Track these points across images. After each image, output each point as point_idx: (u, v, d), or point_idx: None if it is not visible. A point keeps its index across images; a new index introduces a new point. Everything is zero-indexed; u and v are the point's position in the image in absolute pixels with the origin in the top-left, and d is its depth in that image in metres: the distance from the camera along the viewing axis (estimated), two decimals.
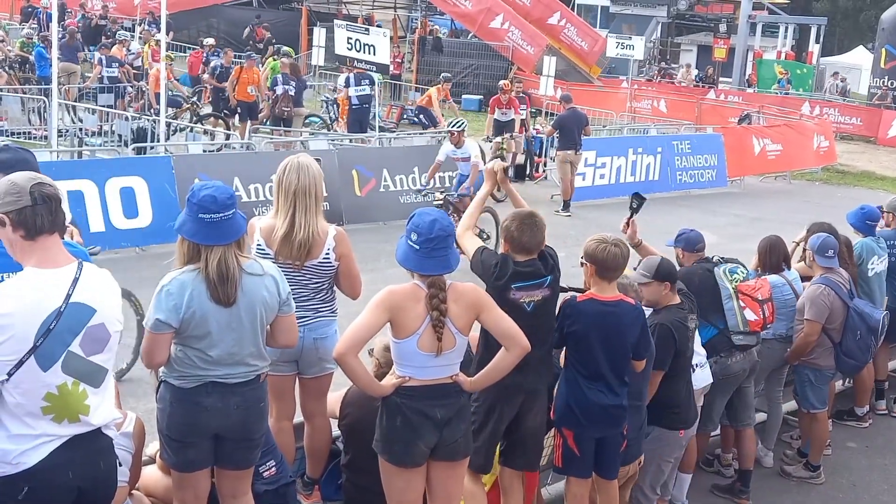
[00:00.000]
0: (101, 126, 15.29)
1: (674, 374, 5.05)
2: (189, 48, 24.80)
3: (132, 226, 10.57)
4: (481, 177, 10.61)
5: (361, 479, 4.54)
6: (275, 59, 19.93)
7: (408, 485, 3.97)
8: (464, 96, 26.23)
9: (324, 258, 4.50)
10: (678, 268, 5.45)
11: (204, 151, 13.45)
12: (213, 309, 3.66)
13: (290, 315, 3.95)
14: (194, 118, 17.44)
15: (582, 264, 4.62)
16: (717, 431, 6.20)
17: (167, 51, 16.73)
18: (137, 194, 10.62)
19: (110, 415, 3.28)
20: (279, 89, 17.01)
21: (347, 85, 17.17)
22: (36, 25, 22.94)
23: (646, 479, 5.20)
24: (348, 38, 16.49)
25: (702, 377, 5.41)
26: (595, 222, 13.08)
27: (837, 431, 7.05)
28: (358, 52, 16.43)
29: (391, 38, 23.80)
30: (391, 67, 22.41)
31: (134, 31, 24.62)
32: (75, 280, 3.13)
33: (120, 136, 14.56)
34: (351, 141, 15.43)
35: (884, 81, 29.98)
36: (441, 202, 10.69)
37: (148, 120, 14.98)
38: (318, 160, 4.73)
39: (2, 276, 3.35)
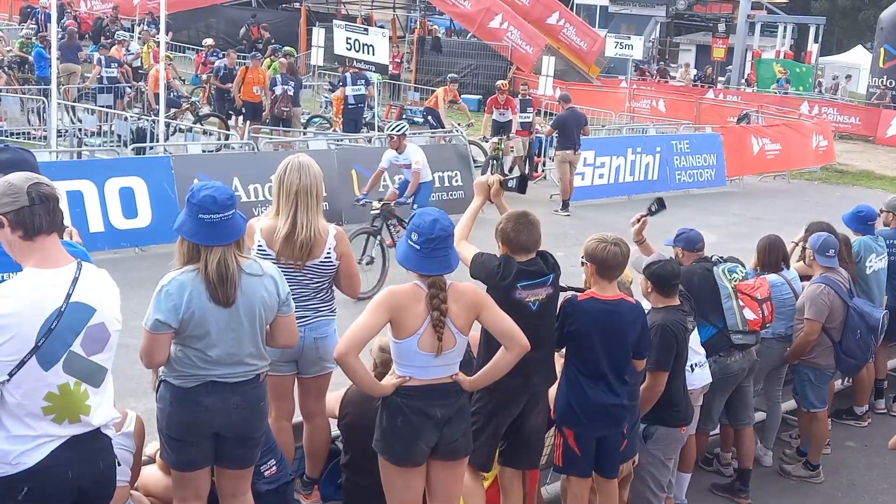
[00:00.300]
0: (100, 126, 15.29)
1: (672, 373, 5.04)
2: (188, 48, 24.80)
3: (132, 226, 10.56)
4: (422, 186, 10.43)
5: (361, 478, 4.54)
6: (272, 60, 19.92)
7: (408, 484, 3.97)
8: (463, 96, 26.10)
9: (325, 258, 4.50)
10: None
11: (203, 151, 13.45)
12: (213, 309, 3.66)
13: (290, 315, 3.95)
14: (194, 118, 17.43)
15: (582, 264, 4.63)
16: (717, 431, 6.20)
17: (167, 51, 16.71)
18: (137, 194, 10.62)
19: (110, 415, 3.29)
20: (278, 89, 17.00)
21: (344, 84, 17.15)
22: (34, 26, 22.90)
23: (654, 479, 5.17)
24: (347, 38, 16.52)
25: (701, 376, 5.41)
26: (594, 222, 13.09)
27: (836, 430, 7.05)
28: (357, 52, 16.46)
29: (390, 38, 23.85)
30: (390, 67, 22.40)
31: (133, 32, 24.61)
32: (75, 280, 3.13)
33: (119, 136, 14.57)
34: (350, 141, 15.41)
35: (882, 81, 30.00)
36: (378, 211, 9.77)
37: (147, 120, 14.98)
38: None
39: (2, 277, 3.36)
